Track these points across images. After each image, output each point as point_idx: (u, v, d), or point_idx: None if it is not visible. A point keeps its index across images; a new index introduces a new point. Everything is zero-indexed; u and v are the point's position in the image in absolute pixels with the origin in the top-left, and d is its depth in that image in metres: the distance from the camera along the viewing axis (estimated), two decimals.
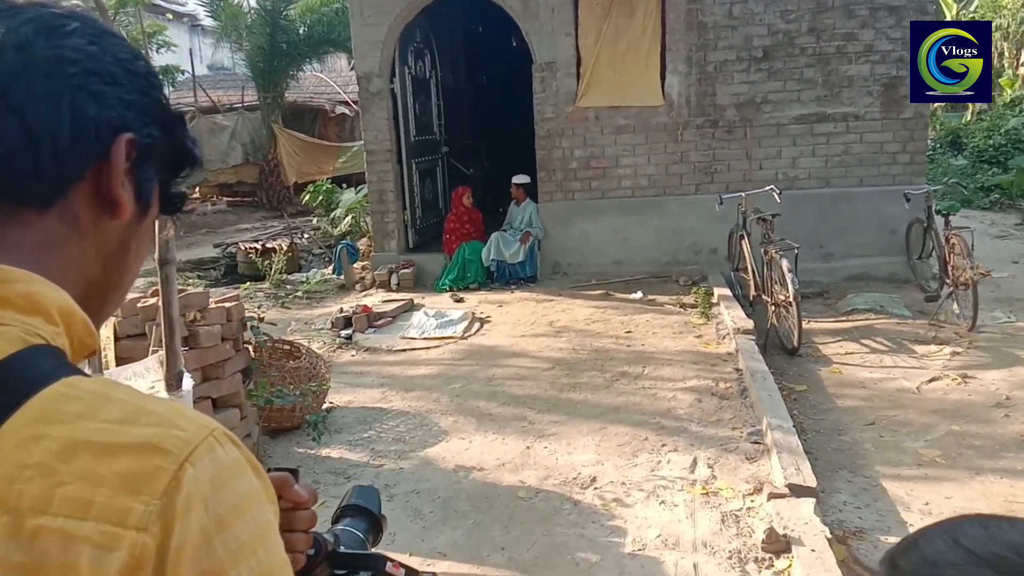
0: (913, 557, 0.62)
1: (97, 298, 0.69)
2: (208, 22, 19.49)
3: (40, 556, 0.51)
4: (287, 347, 5.13)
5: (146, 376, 2.57)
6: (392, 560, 0.98)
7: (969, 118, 16.67)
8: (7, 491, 0.52)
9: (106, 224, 0.67)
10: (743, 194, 7.01)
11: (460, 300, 7.97)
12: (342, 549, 1.00)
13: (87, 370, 0.70)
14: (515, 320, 7.16)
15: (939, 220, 6.95)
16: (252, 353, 4.50)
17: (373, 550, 1.07)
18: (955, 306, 6.48)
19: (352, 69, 16.20)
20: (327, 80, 18.16)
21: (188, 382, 2.70)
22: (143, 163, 0.68)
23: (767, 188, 6.84)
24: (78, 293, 0.65)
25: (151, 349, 3.26)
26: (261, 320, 4.80)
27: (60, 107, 0.63)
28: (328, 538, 0.96)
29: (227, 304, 4.22)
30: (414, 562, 3.29)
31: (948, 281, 6.56)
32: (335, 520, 1.07)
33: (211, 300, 4.20)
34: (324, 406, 4.99)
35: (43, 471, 0.53)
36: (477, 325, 7.06)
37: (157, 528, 0.53)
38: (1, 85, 0.62)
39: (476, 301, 7.89)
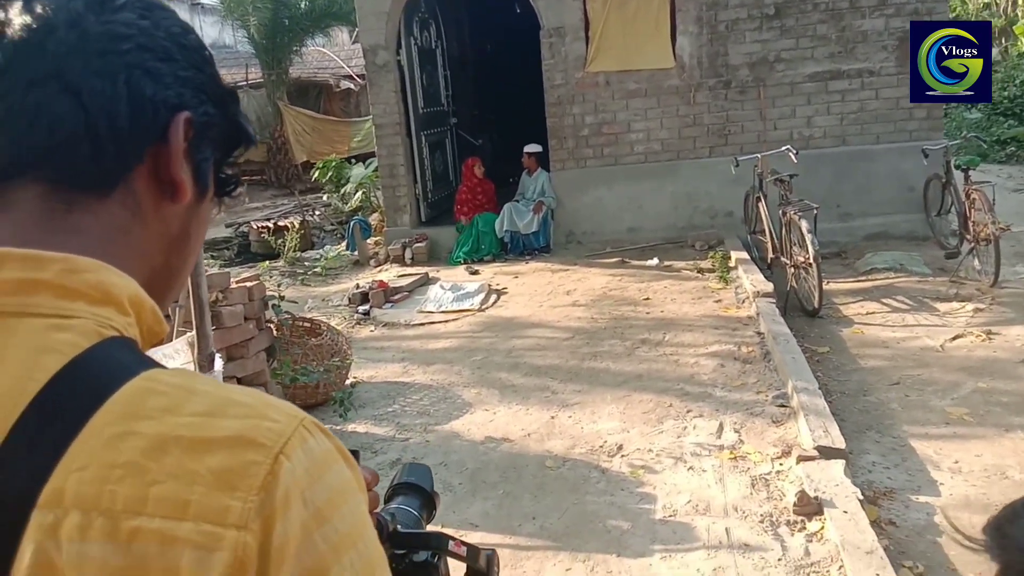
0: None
1: (159, 286, 0.67)
2: (209, 1, 19.30)
3: (139, 559, 0.49)
4: (308, 324, 5.14)
5: (176, 358, 2.57)
6: (454, 538, 0.97)
7: None
8: (99, 492, 0.50)
9: (166, 208, 0.64)
10: (759, 155, 6.92)
11: (475, 272, 7.95)
12: (400, 528, 0.99)
13: None
14: (532, 291, 7.14)
15: (958, 175, 6.85)
16: (275, 332, 4.51)
17: (428, 527, 1.06)
18: (976, 262, 6.41)
19: (355, 42, 16.04)
20: (331, 55, 18.01)
21: (219, 363, 2.70)
22: (200, 143, 0.65)
23: (783, 148, 6.75)
24: (141, 281, 0.62)
25: (176, 330, 3.26)
26: (282, 299, 4.80)
27: (116, 86, 0.60)
28: (386, 517, 0.95)
29: (248, 284, 4.21)
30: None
31: (968, 237, 6.48)
32: (388, 499, 1.06)
33: (232, 280, 4.20)
34: (347, 382, 5.00)
35: (134, 470, 0.51)
36: (494, 297, 7.05)
37: (257, 526, 0.51)
38: (56, 65, 0.59)
39: (491, 273, 7.87)
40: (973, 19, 16.64)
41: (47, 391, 0.53)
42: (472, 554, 0.98)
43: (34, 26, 0.59)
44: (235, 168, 0.72)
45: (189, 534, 0.50)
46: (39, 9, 0.60)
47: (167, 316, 3.43)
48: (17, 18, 0.59)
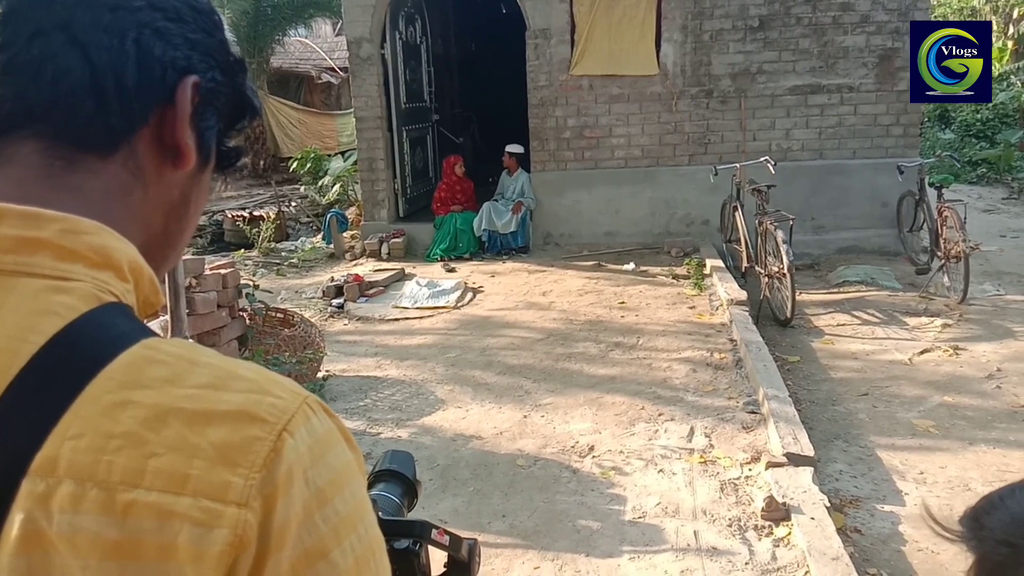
0: (1001, 516, 0.60)
1: (156, 254, 0.65)
2: None
3: (135, 533, 0.48)
4: (281, 315, 5.09)
5: None
6: (437, 527, 0.96)
7: None
8: (95, 462, 0.48)
9: (168, 174, 0.63)
10: (738, 165, 6.99)
11: (452, 270, 7.93)
12: (381, 516, 0.98)
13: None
14: (508, 290, 7.14)
15: (932, 193, 6.98)
16: (248, 320, 4.46)
17: (408, 515, 1.05)
18: (946, 279, 6.53)
19: (338, 34, 15.92)
20: (312, 46, 17.86)
21: None
22: (205, 110, 0.64)
23: (762, 159, 6.82)
24: (138, 246, 0.61)
25: None
26: (256, 287, 4.75)
27: (125, 43, 0.58)
28: None
29: (223, 271, 4.16)
30: None
31: (939, 254, 6.59)
32: (369, 485, 1.05)
33: (206, 266, 4.14)
34: (320, 375, 4.96)
35: (132, 441, 0.49)
36: (470, 295, 7.04)
37: (258, 504, 0.49)
38: (64, 16, 0.57)
39: (468, 271, 7.86)
40: None
41: (43, 355, 0.51)
42: (454, 543, 0.97)
43: None
44: (238, 140, 0.71)
45: (188, 510, 0.48)
46: None
47: None
48: None
